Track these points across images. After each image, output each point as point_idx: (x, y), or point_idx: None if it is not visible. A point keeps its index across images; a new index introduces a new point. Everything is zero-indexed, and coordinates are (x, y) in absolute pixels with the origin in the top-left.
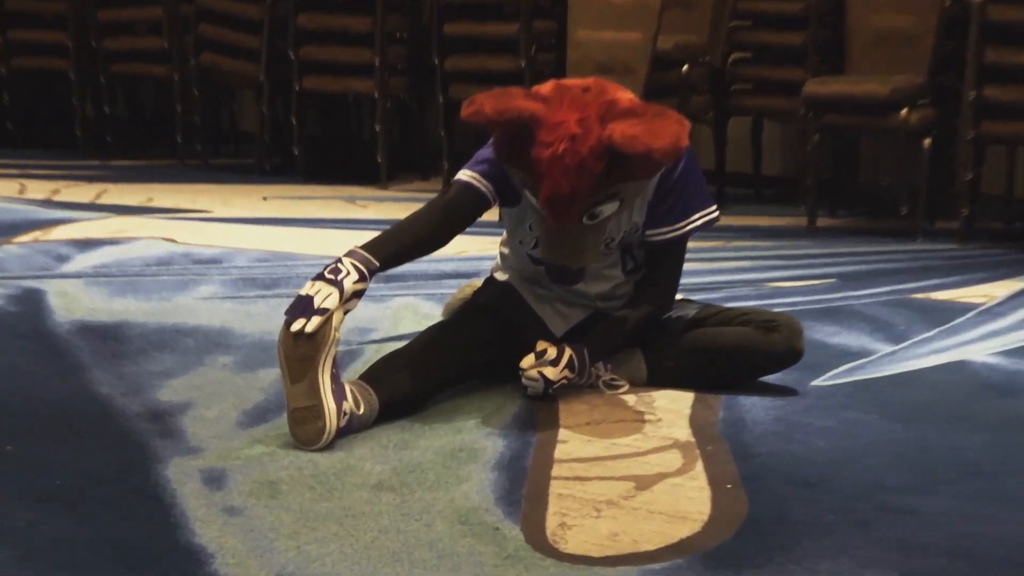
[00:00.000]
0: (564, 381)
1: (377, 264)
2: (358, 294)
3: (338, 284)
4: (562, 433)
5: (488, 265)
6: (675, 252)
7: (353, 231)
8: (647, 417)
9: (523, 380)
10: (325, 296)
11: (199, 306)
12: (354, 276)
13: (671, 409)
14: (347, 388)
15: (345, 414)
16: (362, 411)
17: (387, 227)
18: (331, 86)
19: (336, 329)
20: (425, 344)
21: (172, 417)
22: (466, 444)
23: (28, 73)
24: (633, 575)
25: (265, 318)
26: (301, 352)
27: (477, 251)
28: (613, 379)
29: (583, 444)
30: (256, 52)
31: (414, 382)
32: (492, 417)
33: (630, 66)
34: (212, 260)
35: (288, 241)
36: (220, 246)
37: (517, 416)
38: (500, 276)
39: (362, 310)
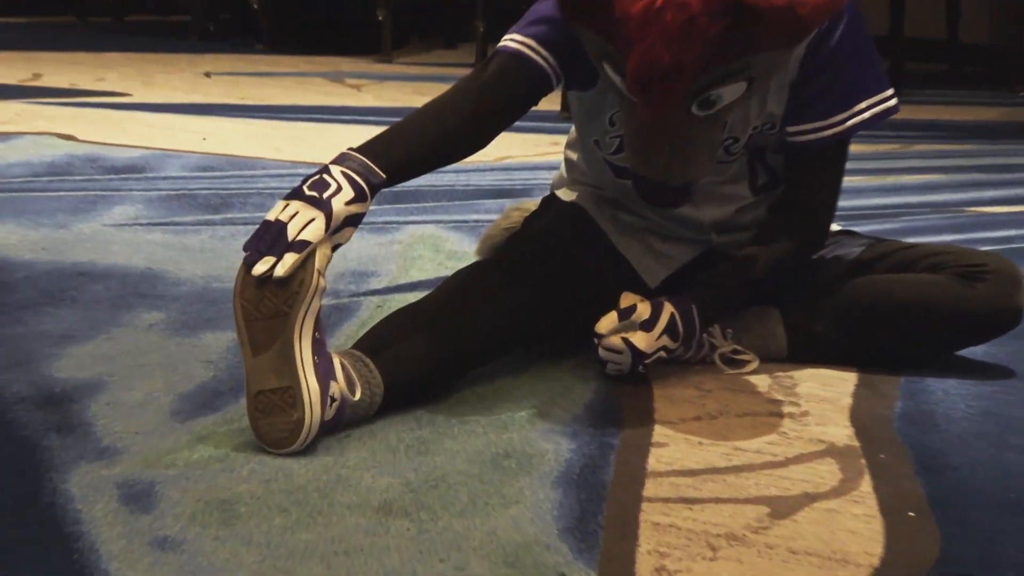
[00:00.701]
0: (662, 354)
1: (382, 176)
2: (353, 220)
3: (323, 205)
4: (659, 432)
5: (546, 179)
6: (830, 160)
7: (343, 126)
8: (787, 409)
9: (600, 352)
10: (304, 223)
11: (112, 237)
12: (347, 193)
13: (823, 397)
14: (337, 362)
15: (334, 400)
16: (358, 396)
17: (395, 121)
18: None
19: (320, 273)
20: (451, 297)
21: (75, 404)
22: (514, 447)
23: None
24: None
25: (212, 255)
26: (268, 307)
27: (529, 157)
28: (736, 351)
29: (690, 449)
30: None
31: (435, 353)
32: (553, 407)
33: None
34: (130, 168)
35: (245, 140)
36: (142, 147)
37: (591, 407)
38: (565, 195)
39: (359, 245)
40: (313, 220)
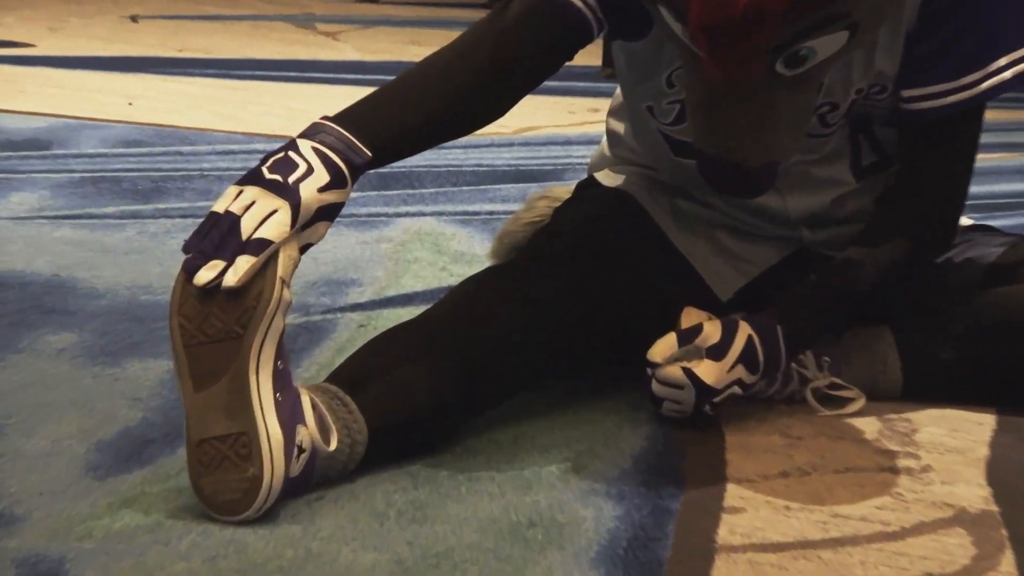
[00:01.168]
0: (736, 390)
1: (367, 154)
2: (328, 212)
3: (289, 192)
4: (733, 494)
5: (583, 157)
6: (958, 133)
7: (314, 86)
8: (903, 463)
9: (653, 386)
10: (263, 216)
11: (8, 234)
12: (320, 177)
13: (950, 447)
14: (306, 400)
15: (302, 450)
16: (334, 445)
17: (384, 81)
18: None
19: (285, 282)
20: (457, 314)
21: None
22: (541, 513)
23: None
24: None
25: (140, 258)
26: (216, 328)
27: (560, 128)
28: (835, 386)
29: (775, 516)
30: None
31: (436, 388)
32: (592, 460)
33: None
34: (32, 143)
35: (184, 106)
36: (47, 114)
37: (642, 459)
38: (607, 179)
39: (336, 245)
40: (275, 212)
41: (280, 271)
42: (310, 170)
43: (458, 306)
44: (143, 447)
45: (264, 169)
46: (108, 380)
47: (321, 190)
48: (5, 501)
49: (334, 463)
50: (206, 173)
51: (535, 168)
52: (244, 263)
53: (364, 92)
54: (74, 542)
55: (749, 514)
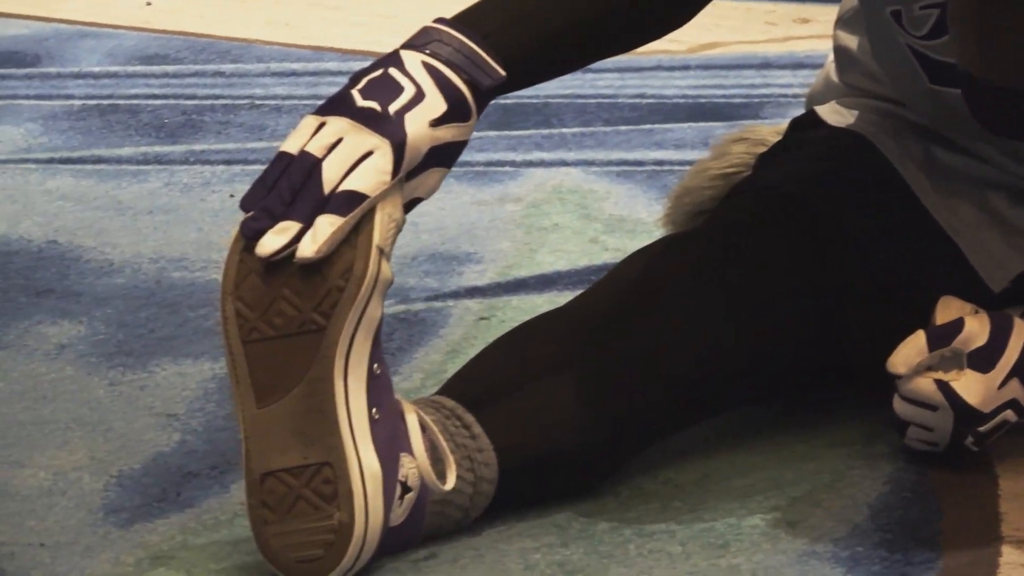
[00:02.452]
0: (1008, 415)
1: (499, 72)
2: (443, 155)
3: (390, 126)
4: (1010, 559)
5: (788, 86)
6: None
7: None
8: None
9: (896, 405)
10: (354, 159)
11: None
12: (434, 104)
13: None
14: (413, 419)
15: (407, 489)
16: (450, 483)
17: None
18: None
19: (384, 252)
20: (621, 305)
21: None
22: None
23: None
24: None
25: (169, 219)
26: (287, 316)
27: (757, 45)
28: None
29: None
30: None
31: (590, 409)
32: (811, 509)
33: None
34: (15, 57)
35: (223, 6)
36: (37, 17)
37: (881, 509)
38: (835, 116)
39: (445, 205)
40: (370, 154)
41: (377, 238)
42: (419, 95)
43: (621, 294)
44: (182, 483)
45: (355, 93)
46: (129, 389)
47: (435, 123)
48: None
49: (450, 508)
50: (258, 102)
51: (720, 101)
52: (327, 226)
53: None
54: None
55: None
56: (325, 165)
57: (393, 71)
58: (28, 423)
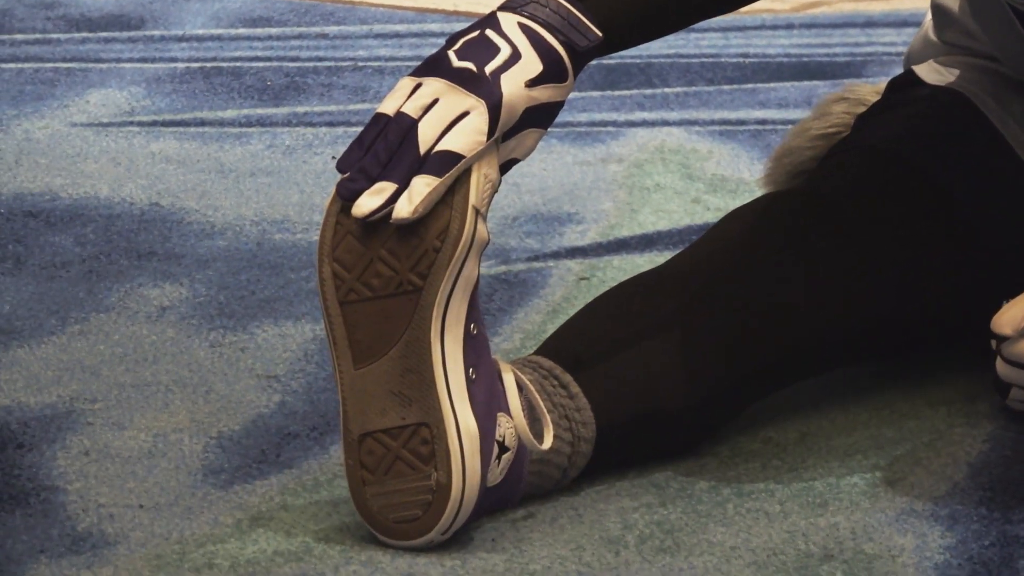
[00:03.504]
0: None
1: (596, 33)
2: (540, 115)
3: (486, 86)
4: None
5: (892, 44)
6: None
7: None
8: None
9: (998, 367)
10: (450, 119)
11: (87, 146)
12: (530, 65)
13: None
14: (510, 379)
15: (504, 449)
16: (547, 442)
17: None
18: None
19: (480, 213)
20: (719, 265)
21: (24, 452)
22: (841, 541)
23: None
24: None
25: (272, 182)
26: (384, 277)
27: (859, 3)
28: None
29: None
30: None
31: (691, 369)
32: (912, 468)
33: None
34: (118, 20)
35: None
36: None
37: (982, 468)
38: (934, 74)
39: (545, 165)
40: (466, 115)
41: (473, 197)
42: (515, 55)
43: (720, 253)
44: (281, 444)
45: (451, 54)
46: (230, 351)
47: (531, 84)
48: (92, 516)
49: (549, 468)
50: (361, 64)
51: (823, 60)
52: (423, 186)
53: None
54: (189, 573)
55: None
56: (421, 126)
57: (490, 32)
58: (129, 385)
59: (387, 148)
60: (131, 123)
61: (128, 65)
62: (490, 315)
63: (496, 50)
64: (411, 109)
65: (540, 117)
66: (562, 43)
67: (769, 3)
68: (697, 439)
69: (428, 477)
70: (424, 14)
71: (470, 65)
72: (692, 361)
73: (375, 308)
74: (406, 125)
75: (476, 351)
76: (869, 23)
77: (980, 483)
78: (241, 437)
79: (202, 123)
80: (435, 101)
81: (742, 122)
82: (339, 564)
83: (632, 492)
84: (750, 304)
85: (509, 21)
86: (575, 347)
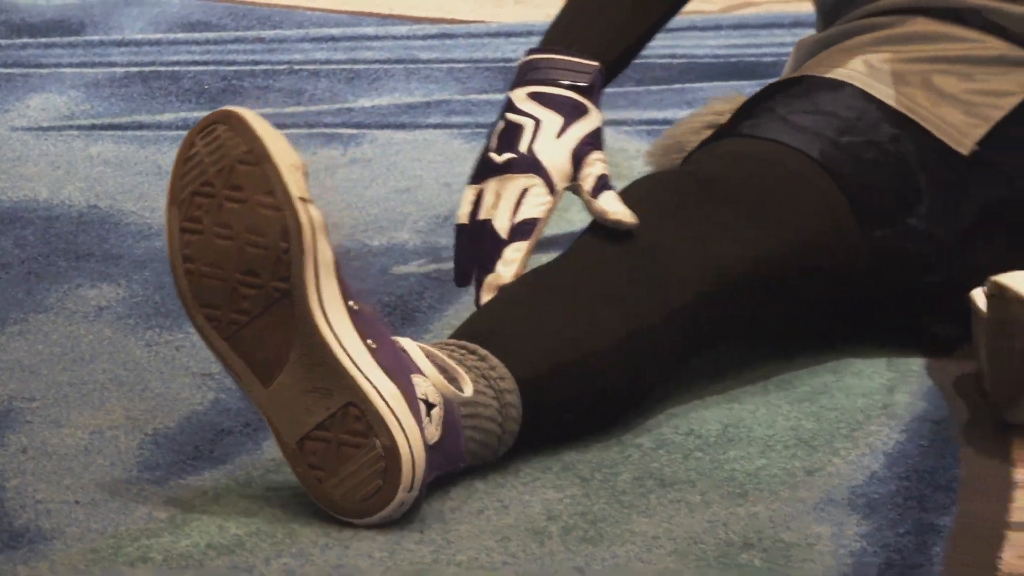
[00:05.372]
0: None
1: (593, 64)
2: (588, 146)
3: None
4: (1022, 505)
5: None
6: None
7: None
8: None
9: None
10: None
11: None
12: (553, 123)
13: None
14: (414, 347)
15: (430, 405)
16: (469, 390)
17: None
18: None
19: (306, 200)
20: (611, 241)
21: None
22: (761, 530)
23: None
24: None
25: None
26: (252, 296)
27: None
28: None
29: None
30: None
31: (593, 318)
32: (831, 459)
33: None
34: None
35: None
36: None
37: (900, 457)
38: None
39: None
40: (526, 191)
41: (294, 191)
42: (537, 123)
43: (609, 234)
44: (215, 440)
45: (491, 155)
46: (166, 350)
47: (560, 134)
48: (29, 512)
49: (483, 421)
50: (296, 67)
51: (750, 60)
52: (514, 252)
53: None
54: (123, 567)
55: None
56: (495, 223)
57: (510, 115)
58: (66, 384)
59: (481, 253)
60: (70, 127)
61: (68, 70)
62: (421, 313)
63: (520, 128)
64: (484, 213)
65: (590, 145)
66: (568, 88)
67: (699, 4)
68: (617, 416)
69: (373, 447)
70: (359, 17)
71: (509, 155)
72: (594, 313)
73: (259, 327)
74: (487, 228)
75: (367, 324)
76: (796, 23)
77: (896, 473)
78: (176, 434)
79: (140, 126)
80: (498, 197)
81: (669, 122)
82: (270, 557)
83: (557, 484)
84: (640, 261)
85: (520, 96)
86: (480, 325)
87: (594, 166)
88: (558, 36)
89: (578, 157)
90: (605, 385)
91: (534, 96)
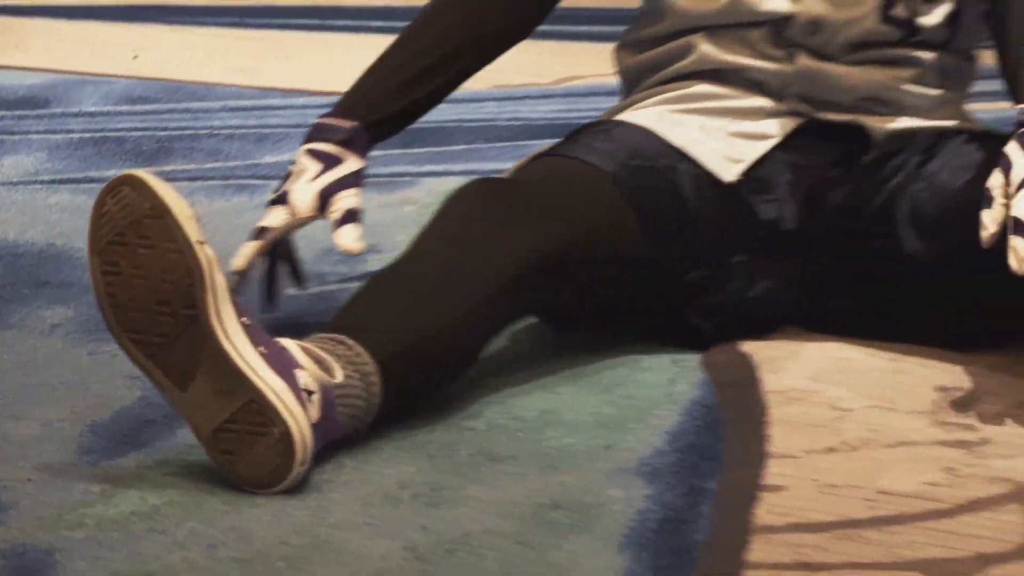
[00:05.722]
0: None
1: (345, 126)
2: (341, 185)
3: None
4: (773, 471)
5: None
6: None
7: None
8: (959, 435)
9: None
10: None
11: (2, 200)
12: (311, 169)
13: (1015, 418)
14: (291, 345)
15: (310, 392)
16: (340, 376)
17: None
18: None
19: (202, 242)
20: (434, 235)
21: None
22: (567, 494)
23: None
24: None
25: None
26: (168, 322)
27: (605, 77)
28: None
29: (818, 494)
30: None
31: (436, 308)
32: (624, 436)
33: None
34: (27, 101)
35: (194, 58)
36: (45, 69)
37: (679, 435)
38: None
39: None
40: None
41: (192, 236)
42: (303, 171)
43: (439, 228)
44: (140, 429)
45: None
46: (105, 358)
47: (313, 180)
48: None
49: (353, 399)
50: (216, 131)
51: (576, 121)
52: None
53: (391, 40)
54: (64, 531)
55: (790, 492)
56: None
57: (291, 165)
58: (27, 385)
59: None
60: (36, 181)
61: (35, 136)
62: (307, 326)
63: (291, 174)
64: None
65: (339, 186)
66: (332, 143)
67: (534, 77)
68: (459, 363)
69: (272, 433)
70: (266, 92)
71: (281, 192)
72: (434, 299)
73: (175, 346)
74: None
75: (256, 336)
76: (613, 92)
77: (675, 447)
78: (109, 424)
79: (92, 180)
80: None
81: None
82: (180, 521)
83: (408, 460)
84: (466, 253)
85: (301, 151)
86: (343, 322)
87: (343, 201)
88: (338, 104)
89: (326, 195)
90: (447, 357)
91: (308, 151)
